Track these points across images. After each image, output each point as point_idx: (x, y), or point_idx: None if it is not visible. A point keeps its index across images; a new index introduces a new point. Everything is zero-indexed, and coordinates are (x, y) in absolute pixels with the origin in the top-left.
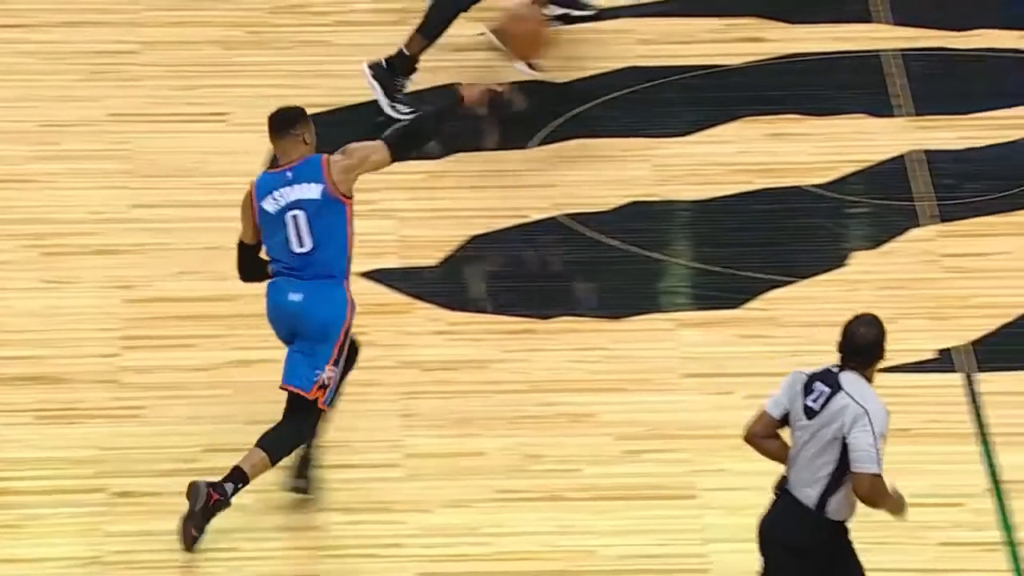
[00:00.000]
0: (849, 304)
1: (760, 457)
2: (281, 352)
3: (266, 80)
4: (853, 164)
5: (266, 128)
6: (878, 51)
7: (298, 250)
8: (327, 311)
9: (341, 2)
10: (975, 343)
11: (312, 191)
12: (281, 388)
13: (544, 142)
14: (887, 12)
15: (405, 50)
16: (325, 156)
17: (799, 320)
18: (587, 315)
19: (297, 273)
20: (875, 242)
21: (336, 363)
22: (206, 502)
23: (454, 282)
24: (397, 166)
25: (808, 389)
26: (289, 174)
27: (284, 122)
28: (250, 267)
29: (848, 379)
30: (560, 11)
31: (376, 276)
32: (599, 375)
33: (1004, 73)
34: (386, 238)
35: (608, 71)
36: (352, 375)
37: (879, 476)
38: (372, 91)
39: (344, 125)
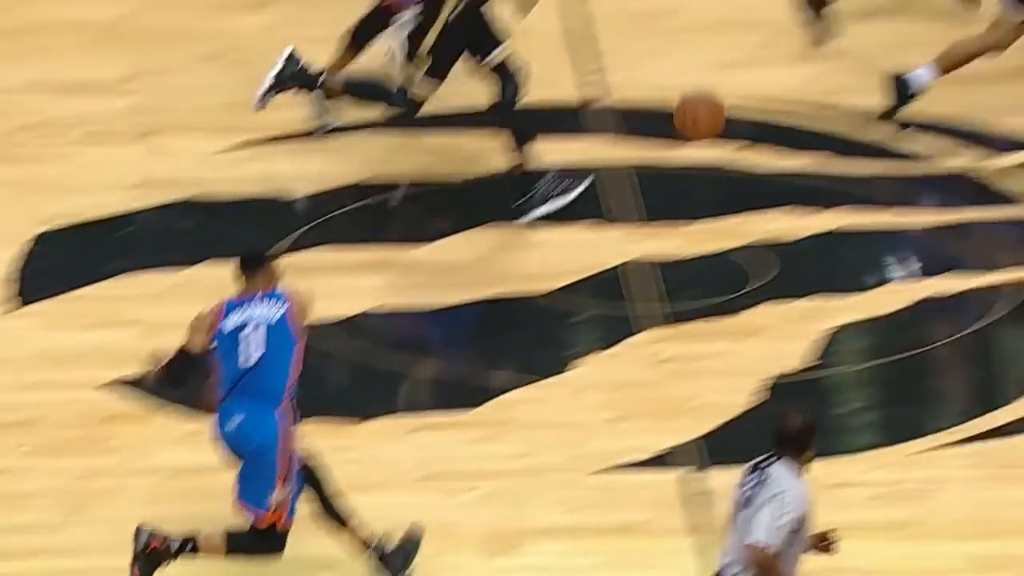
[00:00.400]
0: (577, 406)
1: (483, 556)
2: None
3: (9, 194)
4: (580, 272)
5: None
6: (603, 162)
7: (246, 363)
8: (260, 436)
9: (86, 118)
10: (698, 441)
11: (275, 310)
12: (236, 504)
13: (286, 252)
14: (611, 124)
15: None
16: (291, 290)
17: (531, 422)
18: (326, 418)
19: (240, 388)
20: (601, 346)
21: (285, 482)
22: (144, 547)
23: (198, 388)
24: (136, 277)
25: (742, 483)
26: (257, 297)
27: (259, 259)
28: (182, 374)
29: (775, 467)
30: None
31: (119, 383)
32: (338, 477)
33: (721, 184)
34: (128, 347)
35: (345, 184)
36: (98, 482)
37: (768, 550)
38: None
39: (89, 237)
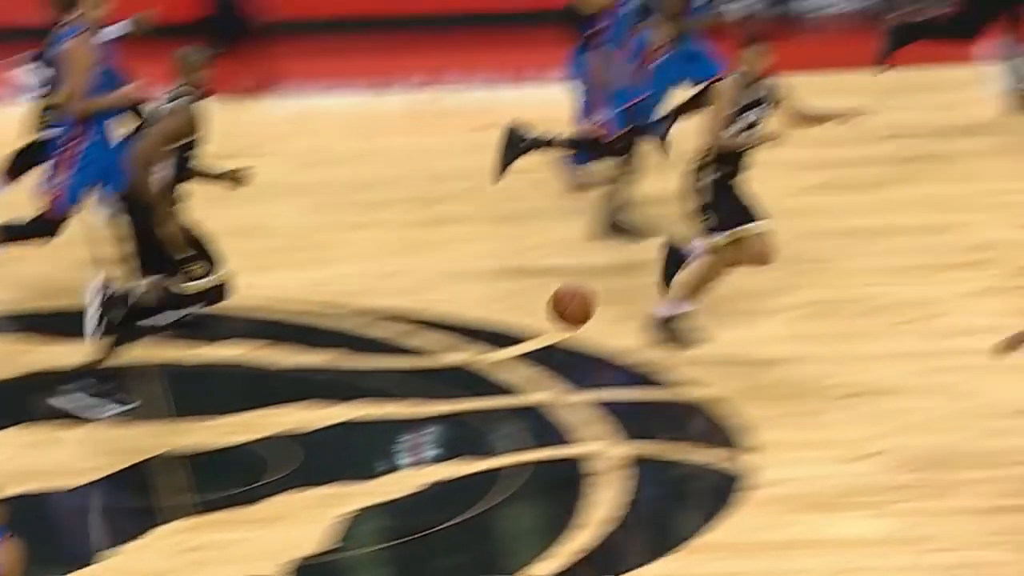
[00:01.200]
0: None
1: None
2: None
3: None
4: (109, 466)
5: None
6: (133, 360)
7: None
8: None
9: None
10: None
11: None
12: None
13: None
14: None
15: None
16: (12, 538)
17: None
18: None
19: None
20: (130, 537)
21: None
22: None
23: None
24: None
25: None
26: None
27: None
28: None
29: None
30: None
31: None
32: None
33: (243, 380)
34: None
35: None
36: None
37: None
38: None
39: None
